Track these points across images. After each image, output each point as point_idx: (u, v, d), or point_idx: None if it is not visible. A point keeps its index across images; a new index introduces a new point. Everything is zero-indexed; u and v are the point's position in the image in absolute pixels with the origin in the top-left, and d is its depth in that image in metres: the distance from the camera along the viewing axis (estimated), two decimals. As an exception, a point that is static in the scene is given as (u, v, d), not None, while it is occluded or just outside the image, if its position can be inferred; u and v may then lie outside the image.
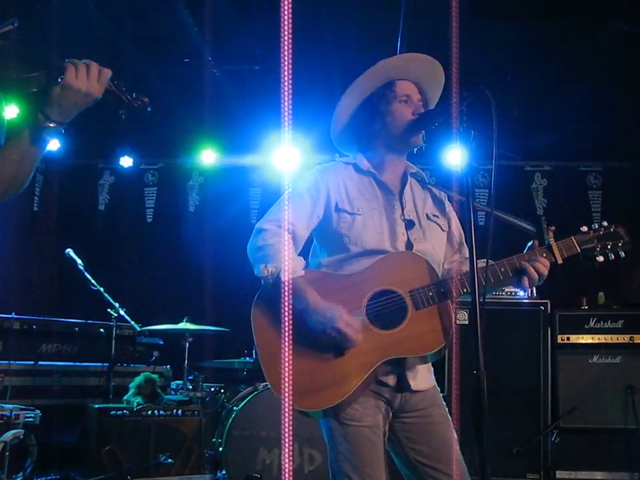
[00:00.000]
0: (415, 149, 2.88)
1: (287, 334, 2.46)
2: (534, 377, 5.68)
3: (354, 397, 2.54)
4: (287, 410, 2.40)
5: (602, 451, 5.58)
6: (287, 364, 2.44)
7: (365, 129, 2.86)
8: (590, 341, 5.75)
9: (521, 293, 5.81)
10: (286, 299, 2.50)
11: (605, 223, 2.74)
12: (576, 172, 7.28)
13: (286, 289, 2.51)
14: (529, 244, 2.71)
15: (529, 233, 2.85)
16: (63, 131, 1.99)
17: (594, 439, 5.61)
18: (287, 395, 2.43)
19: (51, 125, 1.95)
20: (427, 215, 2.85)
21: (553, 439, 5.59)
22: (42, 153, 2.01)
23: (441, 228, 2.88)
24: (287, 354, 2.45)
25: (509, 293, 5.85)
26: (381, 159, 2.86)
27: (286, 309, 2.51)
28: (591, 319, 5.80)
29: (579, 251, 2.69)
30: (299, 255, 2.72)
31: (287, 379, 2.43)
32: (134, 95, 2.07)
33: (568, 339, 5.79)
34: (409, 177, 2.89)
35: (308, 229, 2.76)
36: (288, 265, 2.59)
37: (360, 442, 2.57)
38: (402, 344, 2.56)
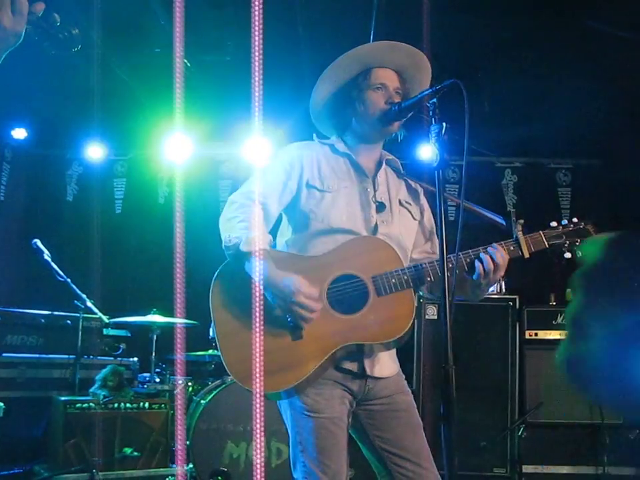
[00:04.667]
0: (390, 137, 2.87)
1: (257, 309, 2.43)
2: (502, 371, 5.72)
3: (310, 381, 2.52)
4: (257, 386, 2.37)
5: (568, 446, 5.64)
6: (257, 345, 2.41)
7: (340, 115, 2.86)
8: (557, 337, 5.79)
9: (491, 288, 5.83)
10: (257, 270, 2.44)
11: (575, 220, 2.72)
12: (546, 169, 7.33)
13: (254, 259, 2.46)
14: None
15: (499, 226, 2.83)
16: None
17: (560, 433, 5.67)
18: (257, 375, 2.40)
19: None
20: (399, 200, 2.84)
21: (519, 434, 5.63)
22: None
23: (412, 216, 2.87)
24: (257, 332, 2.42)
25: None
26: (357, 144, 2.85)
27: (256, 283, 2.47)
28: (559, 315, 5.86)
29: (547, 246, 2.68)
30: (270, 232, 2.69)
31: (257, 360, 2.40)
32: (59, 24, 1.77)
33: (536, 334, 5.83)
34: (384, 163, 2.89)
35: (280, 203, 2.73)
36: (250, 234, 2.54)
37: (320, 434, 2.55)
38: (361, 330, 2.54)
